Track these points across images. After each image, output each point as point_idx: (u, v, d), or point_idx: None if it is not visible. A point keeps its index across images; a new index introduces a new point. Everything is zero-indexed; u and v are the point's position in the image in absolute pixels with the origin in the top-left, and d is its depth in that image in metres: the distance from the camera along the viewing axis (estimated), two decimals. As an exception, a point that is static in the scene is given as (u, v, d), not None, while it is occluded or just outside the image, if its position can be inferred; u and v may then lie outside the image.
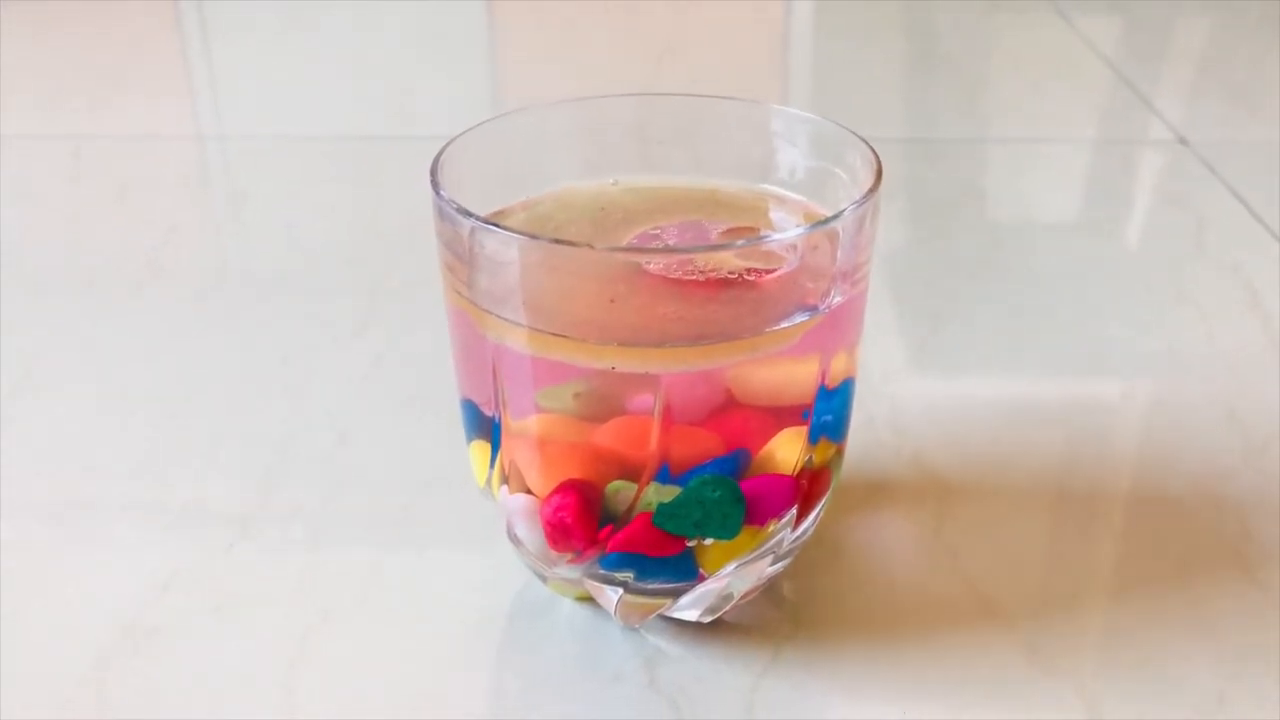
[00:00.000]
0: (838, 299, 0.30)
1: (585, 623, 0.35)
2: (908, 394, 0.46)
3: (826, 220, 0.29)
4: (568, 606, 0.36)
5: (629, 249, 0.31)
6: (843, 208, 0.29)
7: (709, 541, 0.32)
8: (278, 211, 0.62)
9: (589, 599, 0.35)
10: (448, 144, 0.32)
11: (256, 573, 0.37)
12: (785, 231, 0.28)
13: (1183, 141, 0.68)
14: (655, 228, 0.35)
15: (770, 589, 0.36)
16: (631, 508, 0.31)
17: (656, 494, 0.31)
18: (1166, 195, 0.64)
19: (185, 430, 0.44)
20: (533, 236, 0.28)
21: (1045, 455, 0.42)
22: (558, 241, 0.28)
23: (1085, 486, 0.41)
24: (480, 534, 0.38)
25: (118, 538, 0.38)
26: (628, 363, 0.30)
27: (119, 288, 0.53)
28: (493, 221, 0.28)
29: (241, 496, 0.40)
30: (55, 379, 0.47)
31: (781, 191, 0.35)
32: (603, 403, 0.31)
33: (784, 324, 0.30)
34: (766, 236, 0.28)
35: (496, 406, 0.32)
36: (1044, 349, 0.49)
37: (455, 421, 0.35)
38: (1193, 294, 0.53)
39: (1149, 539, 0.38)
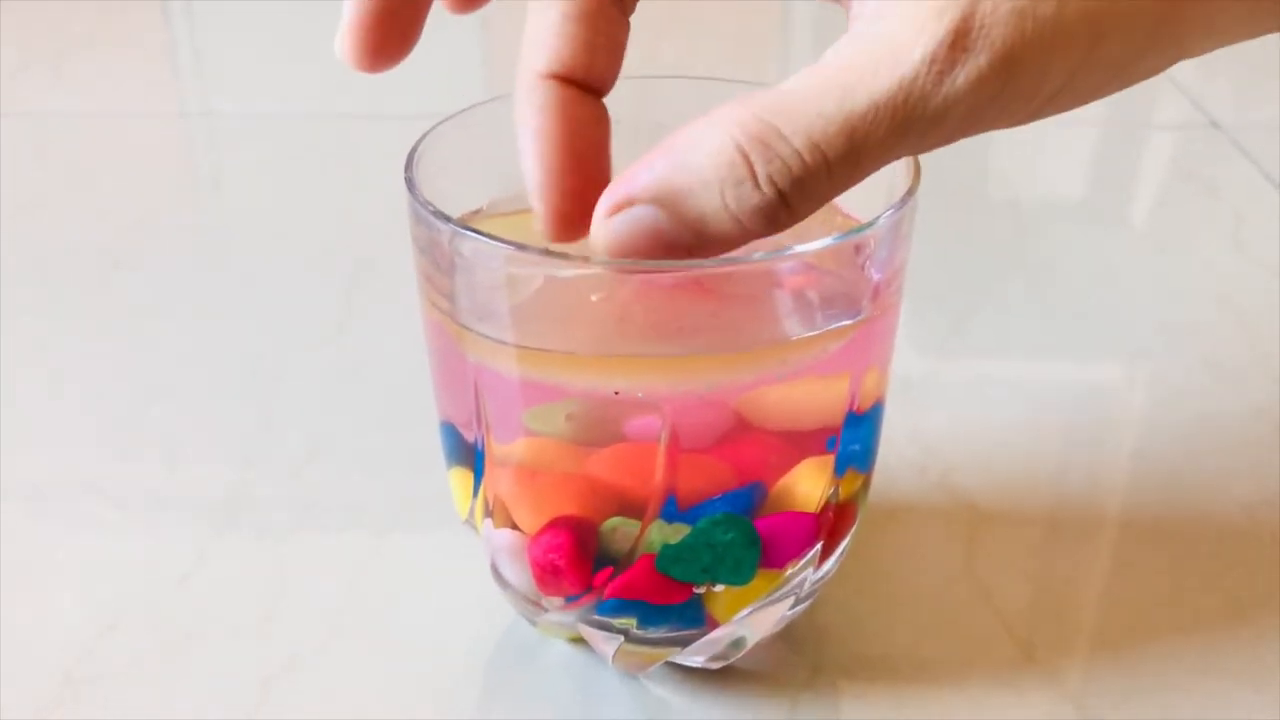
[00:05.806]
0: (874, 310, 0.27)
1: (580, 668, 0.31)
2: (930, 403, 0.42)
3: (863, 227, 0.25)
4: (560, 649, 0.32)
5: (637, 266, 0.27)
6: (878, 213, 0.25)
7: (719, 587, 0.28)
8: (255, 195, 0.57)
9: (583, 641, 0.31)
10: (425, 135, 0.28)
11: (214, 609, 0.33)
12: (816, 241, 0.24)
13: (1214, 125, 0.64)
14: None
15: (786, 630, 0.32)
16: (633, 549, 0.27)
17: (660, 533, 0.27)
18: (1201, 182, 0.60)
19: (138, 444, 0.40)
20: (520, 246, 0.24)
21: (1088, 472, 0.39)
22: (550, 252, 0.24)
23: (1134, 510, 0.37)
24: (463, 565, 0.34)
25: (62, 563, 0.35)
26: (635, 382, 0.26)
27: (79, 282, 0.49)
28: (475, 229, 0.24)
29: (197, 522, 0.36)
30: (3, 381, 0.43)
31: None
32: (599, 426, 0.27)
33: (818, 330, 0.26)
34: (794, 248, 0.24)
35: (479, 429, 0.28)
36: (1079, 349, 0.45)
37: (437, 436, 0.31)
38: (1231, 295, 0.49)
39: (1202, 573, 0.35)
